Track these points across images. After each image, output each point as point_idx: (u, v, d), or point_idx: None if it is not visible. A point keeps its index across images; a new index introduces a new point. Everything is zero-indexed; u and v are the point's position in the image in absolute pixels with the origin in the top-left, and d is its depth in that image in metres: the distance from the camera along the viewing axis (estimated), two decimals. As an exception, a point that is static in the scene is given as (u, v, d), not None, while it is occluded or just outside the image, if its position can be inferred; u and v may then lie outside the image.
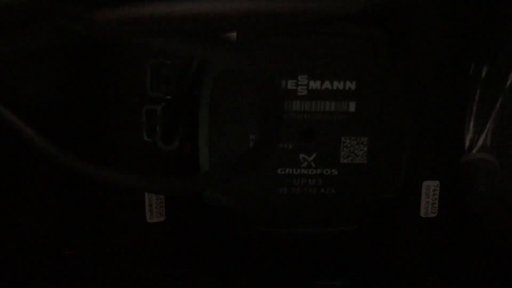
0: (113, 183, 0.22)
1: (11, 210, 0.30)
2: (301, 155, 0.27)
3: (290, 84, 0.26)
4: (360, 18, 0.27)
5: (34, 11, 0.09)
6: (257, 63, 0.12)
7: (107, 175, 0.21)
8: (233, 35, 0.25)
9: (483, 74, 0.31)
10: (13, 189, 0.30)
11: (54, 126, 0.28)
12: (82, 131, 0.29)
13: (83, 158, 0.22)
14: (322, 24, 0.23)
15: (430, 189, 0.29)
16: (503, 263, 0.30)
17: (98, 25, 0.10)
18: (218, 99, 0.26)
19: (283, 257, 0.30)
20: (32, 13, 0.09)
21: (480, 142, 0.31)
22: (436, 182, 0.29)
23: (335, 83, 0.26)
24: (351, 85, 0.26)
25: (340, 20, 0.13)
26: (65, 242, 0.31)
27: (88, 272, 0.30)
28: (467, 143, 0.31)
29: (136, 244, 0.30)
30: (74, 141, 0.28)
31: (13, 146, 0.29)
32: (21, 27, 0.09)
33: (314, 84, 0.26)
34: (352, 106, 0.27)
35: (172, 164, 0.28)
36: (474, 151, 0.31)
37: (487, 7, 0.29)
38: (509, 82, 0.30)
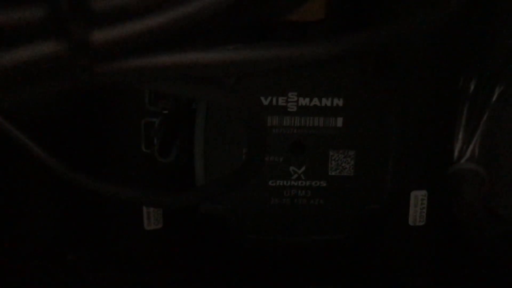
0: (112, 197, 0.24)
1: (12, 216, 0.31)
2: (291, 168, 0.29)
3: (281, 101, 0.28)
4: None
5: (51, 65, 0.11)
6: (242, 100, 0.14)
7: (107, 189, 0.23)
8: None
9: (471, 88, 0.32)
10: (14, 196, 0.31)
11: (56, 137, 0.30)
12: (84, 140, 0.30)
13: (84, 172, 0.24)
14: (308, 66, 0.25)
15: (418, 199, 0.31)
16: (489, 270, 0.32)
17: (102, 75, 0.12)
18: (213, 114, 0.28)
19: (275, 264, 0.32)
20: (48, 67, 0.11)
21: (468, 153, 0.33)
22: (424, 192, 0.31)
23: (324, 100, 0.28)
24: (338, 102, 0.28)
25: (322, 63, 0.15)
26: (65, 248, 0.32)
27: (87, 277, 0.32)
28: (456, 154, 0.33)
29: (134, 250, 0.32)
30: (76, 150, 0.30)
31: (14, 154, 0.30)
32: (38, 80, 0.11)
33: (304, 101, 0.28)
34: (339, 122, 0.29)
35: (169, 175, 0.30)
36: (462, 161, 0.33)
37: (475, 23, 0.31)
38: (495, 96, 0.32)
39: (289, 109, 0.28)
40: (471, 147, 0.33)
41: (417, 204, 0.31)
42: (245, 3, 0.13)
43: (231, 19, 0.13)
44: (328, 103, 0.28)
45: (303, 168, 0.29)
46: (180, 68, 0.12)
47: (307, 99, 0.28)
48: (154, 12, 0.12)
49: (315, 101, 0.28)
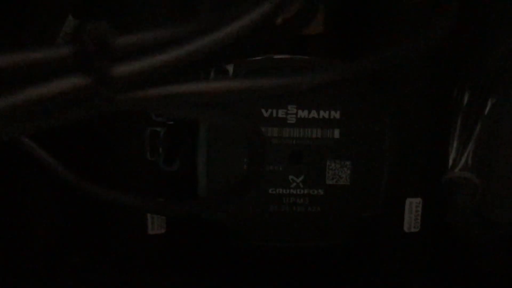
0: (118, 204, 0.25)
1: (17, 220, 0.33)
2: (290, 177, 0.31)
3: (281, 113, 0.30)
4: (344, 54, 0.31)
5: (76, 97, 0.13)
6: (242, 122, 0.16)
7: (113, 197, 0.25)
8: (230, 69, 0.29)
9: (465, 99, 0.34)
10: (19, 200, 0.32)
11: (62, 144, 0.31)
12: (90, 148, 0.32)
13: (90, 179, 0.25)
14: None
15: (413, 206, 0.32)
16: (483, 275, 0.33)
17: (122, 104, 0.14)
18: (216, 126, 0.30)
19: (274, 269, 0.33)
20: (74, 99, 0.13)
21: (462, 161, 0.34)
22: (419, 199, 0.32)
23: (321, 112, 0.30)
24: (335, 114, 0.30)
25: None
26: (70, 250, 0.34)
27: (90, 280, 0.33)
28: (450, 162, 0.34)
29: (137, 254, 0.33)
30: (81, 156, 0.31)
31: (19, 159, 0.31)
32: (64, 110, 0.13)
33: (302, 113, 0.30)
34: (336, 133, 0.30)
35: (172, 183, 0.31)
36: (456, 170, 0.34)
37: (468, 36, 0.32)
38: (488, 108, 0.33)
39: (288, 121, 0.30)
40: (464, 156, 0.34)
41: (412, 211, 0.32)
42: (256, 32, 0.14)
43: (243, 47, 0.15)
44: (326, 115, 0.30)
45: (301, 177, 0.31)
46: (196, 95, 0.14)
47: (306, 112, 0.30)
48: (172, 45, 0.14)
49: (313, 114, 0.30)
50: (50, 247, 0.33)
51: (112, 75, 0.13)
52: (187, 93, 0.14)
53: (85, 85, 0.13)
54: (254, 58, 0.28)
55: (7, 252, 0.33)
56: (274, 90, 0.14)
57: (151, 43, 0.13)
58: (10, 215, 0.33)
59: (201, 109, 0.15)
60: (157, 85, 0.14)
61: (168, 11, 0.29)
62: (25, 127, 0.12)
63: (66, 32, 0.30)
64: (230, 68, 0.28)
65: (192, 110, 0.15)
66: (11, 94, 0.12)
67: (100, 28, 0.12)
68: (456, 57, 0.32)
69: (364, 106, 0.30)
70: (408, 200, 0.32)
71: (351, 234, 0.32)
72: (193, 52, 0.14)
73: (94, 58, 0.12)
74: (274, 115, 0.30)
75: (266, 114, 0.30)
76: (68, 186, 0.26)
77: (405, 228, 0.32)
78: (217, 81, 0.14)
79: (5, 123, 0.12)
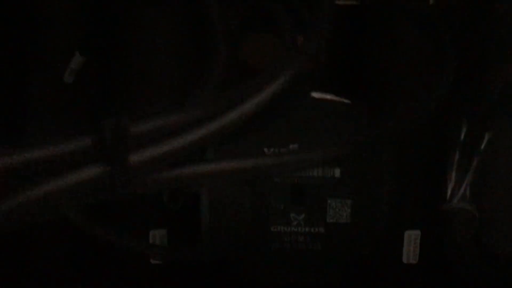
0: (125, 248, 0.26)
1: (19, 247, 0.34)
2: (292, 215, 0.32)
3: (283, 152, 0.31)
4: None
5: (94, 186, 0.14)
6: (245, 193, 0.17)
7: (119, 242, 0.26)
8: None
9: (462, 133, 0.35)
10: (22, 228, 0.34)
11: None
12: None
13: (99, 224, 0.27)
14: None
15: (411, 238, 0.33)
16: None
17: (137, 187, 0.15)
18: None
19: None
20: (92, 187, 0.14)
21: (460, 193, 0.35)
22: (418, 232, 0.33)
23: None
24: None
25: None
26: (71, 279, 0.35)
27: None
28: (449, 193, 0.35)
29: (139, 283, 0.34)
30: None
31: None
32: (83, 197, 0.14)
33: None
34: (337, 172, 0.31)
35: (176, 219, 0.32)
36: (454, 201, 0.35)
37: (465, 71, 0.33)
38: (485, 142, 0.35)
39: None
40: (462, 187, 0.35)
41: (411, 243, 0.33)
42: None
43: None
44: None
45: (302, 215, 0.32)
46: (204, 177, 0.15)
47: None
48: (186, 130, 0.15)
49: None
50: (53, 275, 0.34)
51: (129, 164, 0.14)
52: (197, 174, 0.15)
53: (105, 174, 0.14)
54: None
55: (10, 281, 0.34)
56: (282, 168, 0.15)
57: (168, 128, 0.14)
58: (13, 242, 0.34)
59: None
60: (169, 168, 0.15)
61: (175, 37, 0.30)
62: (50, 213, 0.13)
63: (72, 69, 0.31)
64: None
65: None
66: (40, 186, 0.13)
67: (120, 124, 0.13)
68: (453, 92, 0.33)
69: (364, 145, 0.31)
70: (407, 233, 0.33)
71: (350, 270, 0.33)
72: (203, 137, 0.15)
73: (113, 149, 0.13)
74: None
75: (268, 153, 0.31)
76: (72, 224, 0.27)
77: (404, 260, 0.34)
78: (223, 161, 0.15)
79: (33, 211, 0.12)
